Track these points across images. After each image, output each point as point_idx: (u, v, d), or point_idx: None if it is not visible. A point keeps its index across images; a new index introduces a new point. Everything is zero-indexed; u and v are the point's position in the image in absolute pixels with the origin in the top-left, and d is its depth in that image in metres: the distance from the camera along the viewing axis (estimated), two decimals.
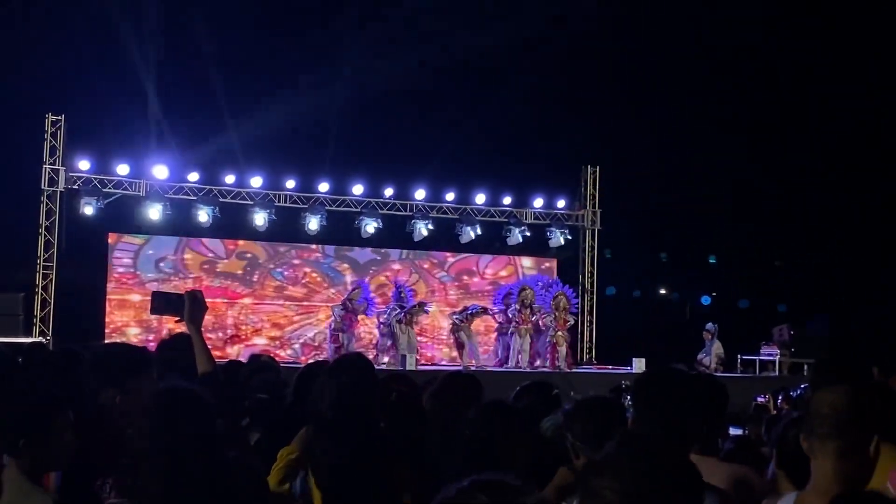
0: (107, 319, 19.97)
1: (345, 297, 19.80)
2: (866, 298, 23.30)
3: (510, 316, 20.23)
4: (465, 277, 23.07)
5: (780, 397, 9.12)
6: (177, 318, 4.52)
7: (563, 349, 20.31)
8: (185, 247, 20.88)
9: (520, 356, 19.99)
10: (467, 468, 4.11)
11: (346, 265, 22.07)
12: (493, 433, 3.94)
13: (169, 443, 3.08)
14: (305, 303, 21.61)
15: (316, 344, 21.03)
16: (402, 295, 19.72)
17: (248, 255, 21.45)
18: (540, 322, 20.32)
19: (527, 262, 23.52)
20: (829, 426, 2.95)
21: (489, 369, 19.39)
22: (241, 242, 21.31)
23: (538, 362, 20.32)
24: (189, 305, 4.43)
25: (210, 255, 21.12)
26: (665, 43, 22.45)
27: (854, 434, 2.92)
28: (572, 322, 20.95)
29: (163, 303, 4.62)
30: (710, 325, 20.90)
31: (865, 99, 21.98)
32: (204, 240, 20.98)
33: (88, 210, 19.37)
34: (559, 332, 20.37)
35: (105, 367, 4.23)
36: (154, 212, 19.68)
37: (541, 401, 4.67)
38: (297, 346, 21.25)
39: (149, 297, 4.94)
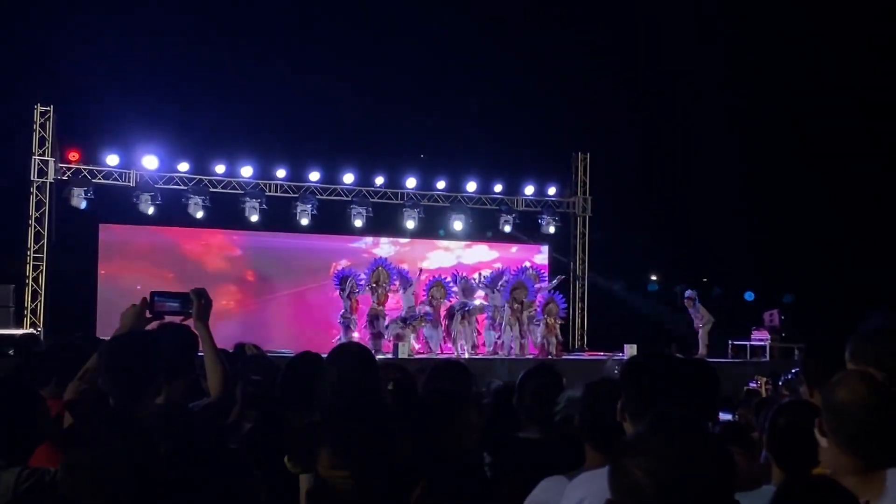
0: (98, 310, 19.91)
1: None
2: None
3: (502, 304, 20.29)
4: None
5: (780, 382, 9.17)
6: (182, 318, 4.35)
7: (553, 339, 20.38)
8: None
9: (513, 343, 20.05)
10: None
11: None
12: None
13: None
14: None
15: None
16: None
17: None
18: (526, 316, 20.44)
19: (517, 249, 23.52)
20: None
21: (484, 357, 19.45)
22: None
23: (529, 350, 20.37)
24: (197, 303, 4.29)
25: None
26: (656, 28, 22.44)
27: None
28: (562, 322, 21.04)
29: (165, 303, 4.31)
30: (689, 292, 20.97)
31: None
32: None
33: (78, 201, 19.32)
34: (548, 320, 20.43)
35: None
36: (144, 202, 19.66)
37: (546, 383, 4.71)
38: None
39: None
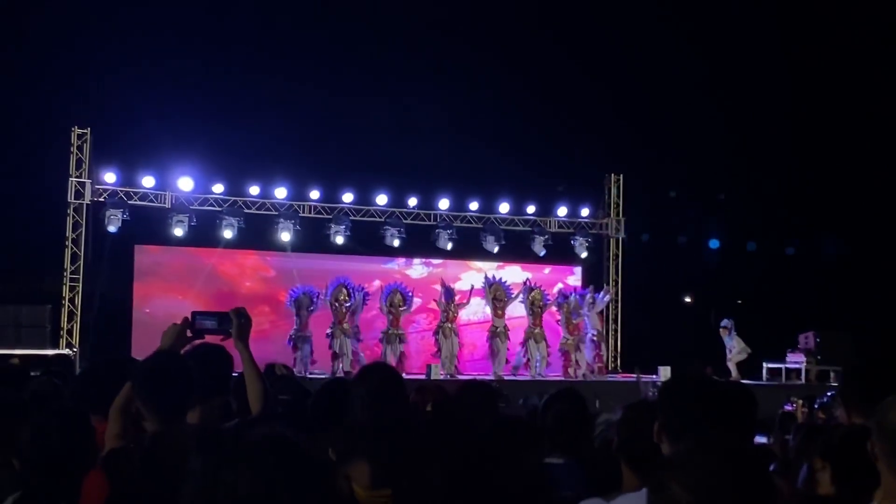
0: (133, 331, 20.01)
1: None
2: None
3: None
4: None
5: (816, 405, 9.07)
6: (222, 337, 4.39)
7: (575, 356, 20.15)
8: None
9: (538, 363, 19.87)
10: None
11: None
12: None
13: None
14: None
15: None
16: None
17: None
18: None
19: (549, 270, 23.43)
20: None
21: (508, 378, 19.33)
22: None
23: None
24: (237, 322, 4.33)
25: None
26: (688, 51, 22.41)
27: None
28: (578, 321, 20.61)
29: (205, 322, 4.37)
30: (725, 321, 20.78)
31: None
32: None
33: (114, 222, 19.45)
34: (569, 340, 20.26)
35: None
36: (179, 223, 19.77)
37: (569, 409, 4.67)
38: None
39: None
